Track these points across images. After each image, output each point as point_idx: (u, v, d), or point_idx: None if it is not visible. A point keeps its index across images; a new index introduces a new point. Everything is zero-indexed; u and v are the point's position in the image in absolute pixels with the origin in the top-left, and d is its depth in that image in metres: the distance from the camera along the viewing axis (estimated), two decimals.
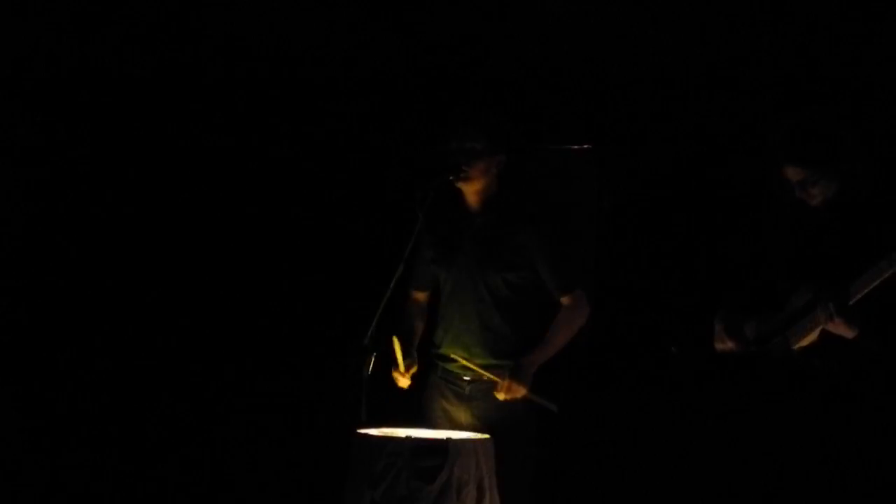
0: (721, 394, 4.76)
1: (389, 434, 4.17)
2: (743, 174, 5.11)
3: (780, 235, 4.14)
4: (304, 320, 5.84)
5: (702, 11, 5.25)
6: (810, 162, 3.87)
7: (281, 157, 5.90)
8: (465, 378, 4.57)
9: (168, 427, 5.84)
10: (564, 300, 4.56)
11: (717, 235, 5.25)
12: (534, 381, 4.49)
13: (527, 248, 4.53)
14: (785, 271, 4.05)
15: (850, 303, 3.73)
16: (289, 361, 5.80)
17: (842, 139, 3.91)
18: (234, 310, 5.90)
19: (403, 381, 4.54)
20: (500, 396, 4.47)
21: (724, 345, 4.10)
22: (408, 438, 4.08)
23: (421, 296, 4.76)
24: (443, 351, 4.63)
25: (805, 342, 3.90)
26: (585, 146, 5.66)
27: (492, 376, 4.46)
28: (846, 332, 3.76)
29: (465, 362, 4.50)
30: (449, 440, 4.06)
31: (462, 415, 4.57)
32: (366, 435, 4.14)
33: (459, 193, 4.62)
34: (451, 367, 4.58)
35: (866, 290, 3.70)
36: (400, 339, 4.49)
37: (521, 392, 4.45)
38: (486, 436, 4.22)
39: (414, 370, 4.56)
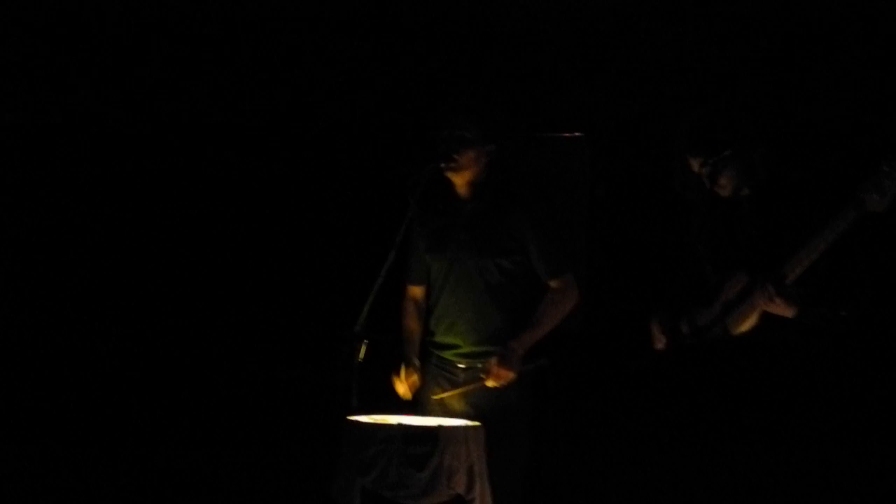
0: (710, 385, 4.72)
1: (380, 421, 4.18)
2: None
3: (700, 232, 4.24)
4: (296, 308, 5.84)
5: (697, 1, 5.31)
6: (709, 153, 4.01)
7: (269, 145, 5.91)
8: (460, 366, 4.56)
9: (155, 417, 5.85)
10: (553, 284, 4.54)
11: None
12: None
13: (518, 230, 4.51)
14: (712, 264, 4.17)
15: (787, 282, 3.86)
16: (280, 349, 5.80)
17: (739, 128, 4.05)
18: (225, 298, 5.90)
19: (402, 389, 4.54)
20: (490, 384, 4.45)
21: (661, 344, 4.22)
22: (398, 425, 4.09)
23: (418, 291, 4.73)
24: (438, 339, 4.61)
25: (745, 327, 4.00)
26: (577, 134, 5.66)
27: (475, 385, 4.46)
28: (786, 311, 3.90)
29: (446, 394, 4.50)
30: (439, 427, 4.07)
31: (456, 403, 4.55)
32: (356, 422, 4.14)
33: (449, 183, 4.59)
34: (445, 354, 4.58)
35: (802, 269, 3.84)
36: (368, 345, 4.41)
37: (510, 377, 4.43)
38: (478, 423, 4.21)
39: (415, 379, 4.55)
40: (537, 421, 4.54)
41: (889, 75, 5.08)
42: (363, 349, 4.27)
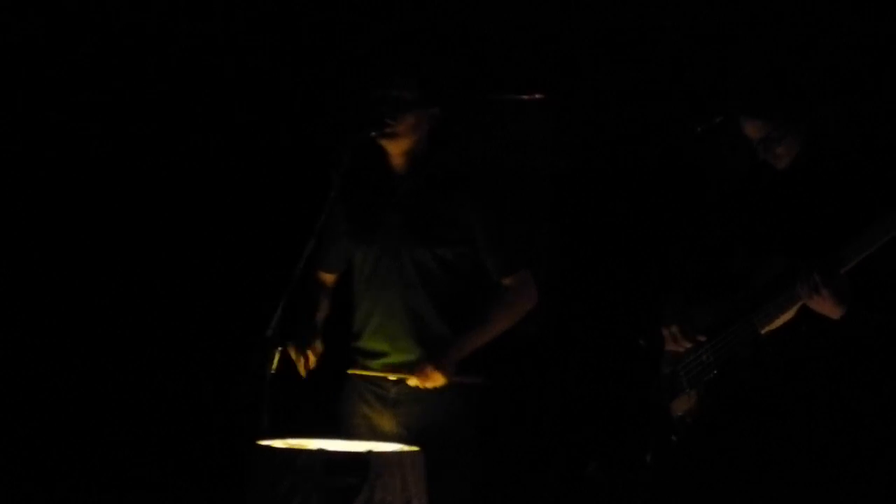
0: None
1: (298, 446, 3.88)
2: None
3: (731, 209, 4.09)
4: (193, 310, 5.70)
5: None
6: (775, 115, 3.82)
7: (168, 134, 5.75)
8: (391, 378, 4.27)
9: (50, 432, 5.71)
10: (506, 282, 4.27)
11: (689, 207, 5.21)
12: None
13: (463, 215, 4.23)
14: (741, 248, 3.99)
15: (841, 272, 3.62)
16: (179, 358, 5.68)
17: (810, 91, 3.89)
18: (118, 301, 5.76)
19: (301, 367, 4.24)
20: (412, 382, 4.18)
21: (680, 346, 4.07)
22: (320, 451, 3.75)
23: (328, 277, 4.46)
24: (362, 344, 4.30)
25: (776, 324, 3.79)
26: (537, 95, 5.50)
27: (402, 374, 4.22)
28: (832, 310, 3.63)
29: (366, 373, 4.27)
30: (370, 453, 3.74)
31: (386, 422, 4.27)
32: (269, 447, 3.81)
33: (383, 154, 4.29)
34: (371, 363, 4.29)
35: (859, 258, 3.58)
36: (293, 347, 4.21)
37: (438, 381, 4.15)
38: (415, 448, 3.87)
39: (320, 350, 4.27)
40: (484, 449, 4.31)
41: None
42: (276, 358, 3.98)
